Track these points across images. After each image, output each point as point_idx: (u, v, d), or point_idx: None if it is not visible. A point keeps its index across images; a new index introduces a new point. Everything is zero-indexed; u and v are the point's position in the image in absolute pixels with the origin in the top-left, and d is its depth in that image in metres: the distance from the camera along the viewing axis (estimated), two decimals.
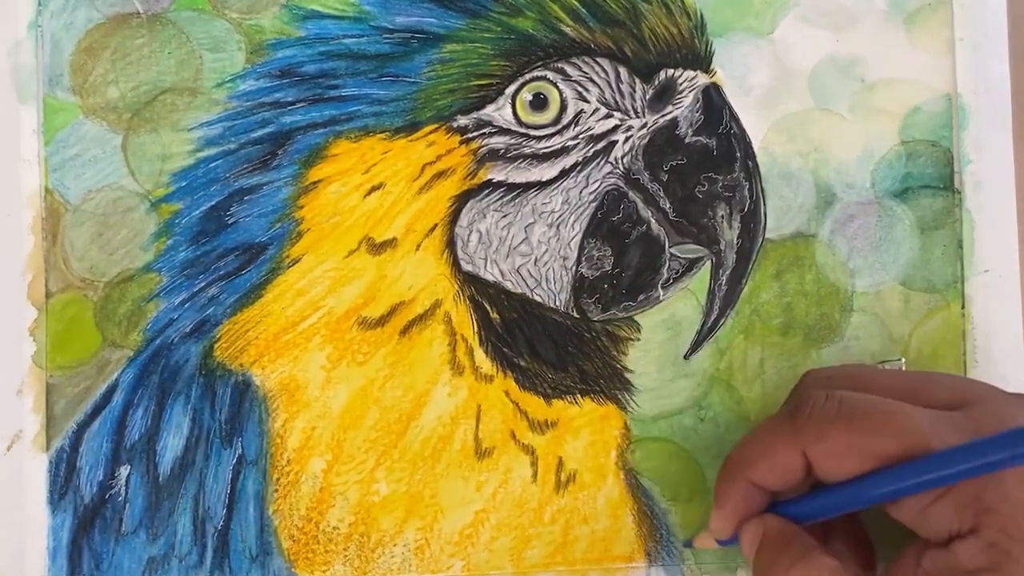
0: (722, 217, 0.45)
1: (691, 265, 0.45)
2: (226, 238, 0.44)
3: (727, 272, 0.45)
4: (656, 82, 0.45)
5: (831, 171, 0.46)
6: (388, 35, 0.44)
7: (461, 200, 0.44)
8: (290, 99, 0.44)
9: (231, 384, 0.44)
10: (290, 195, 0.44)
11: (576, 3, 0.44)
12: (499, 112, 0.44)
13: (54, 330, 0.44)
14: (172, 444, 0.44)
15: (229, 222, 0.44)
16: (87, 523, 0.43)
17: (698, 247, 0.45)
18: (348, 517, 0.44)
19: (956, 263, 0.47)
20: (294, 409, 0.44)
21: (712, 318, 0.45)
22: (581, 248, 0.45)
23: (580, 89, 0.45)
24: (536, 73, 0.44)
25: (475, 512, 0.45)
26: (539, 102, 0.44)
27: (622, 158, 0.45)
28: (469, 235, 0.45)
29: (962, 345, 0.47)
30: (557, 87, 0.45)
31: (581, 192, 0.45)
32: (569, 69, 0.44)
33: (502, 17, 0.44)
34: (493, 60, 0.44)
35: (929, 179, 0.47)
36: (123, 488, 0.44)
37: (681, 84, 0.45)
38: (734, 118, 0.45)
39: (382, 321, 0.44)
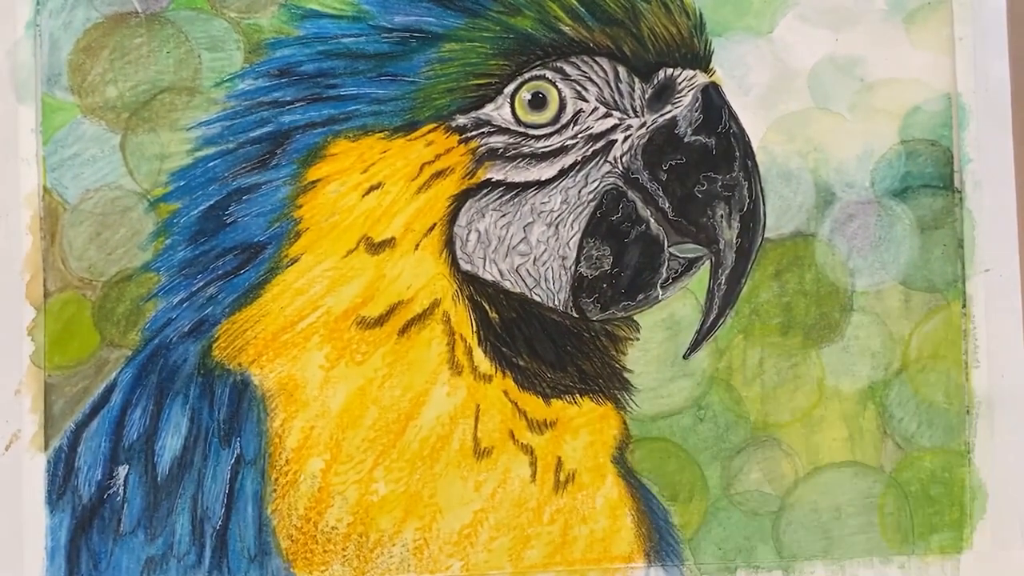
0: (721, 216, 0.45)
1: (690, 264, 0.45)
2: (224, 237, 0.44)
3: (726, 272, 0.45)
4: (655, 81, 0.45)
5: (831, 170, 0.46)
6: (387, 34, 0.44)
7: (460, 199, 0.44)
8: (288, 98, 0.44)
9: (229, 384, 0.44)
10: (288, 194, 0.44)
11: (575, 2, 0.44)
12: (498, 111, 0.44)
13: (52, 330, 0.44)
14: (170, 444, 0.44)
15: (227, 221, 0.44)
16: (85, 523, 0.43)
17: (697, 246, 0.45)
18: (347, 517, 0.44)
19: (956, 262, 0.47)
20: (293, 409, 0.44)
21: (711, 318, 0.45)
22: (580, 247, 0.45)
23: (579, 88, 0.45)
24: (535, 72, 0.44)
25: (474, 512, 0.45)
26: (538, 101, 0.44)
27: (621, 157, 0.45)
28: (468, 234, 0.45)
29: (963, 344, 0.47)
30: (556, 86, 0.44)
31: (580, 191, 0.45)
32: (568, 68, 0.44)
33: (501, 16, 0.44)
34: (492, 59, 0.44)
35: (929, 178, 0.47)
36: (121, 488, 0.43)
37: (680, 83, 0.45)
38: (733, 117, 0.45)
39: (381, 320, 0.44)
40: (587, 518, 0.45)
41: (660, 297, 0.45)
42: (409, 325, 0.44)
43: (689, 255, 0.45)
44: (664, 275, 0.45)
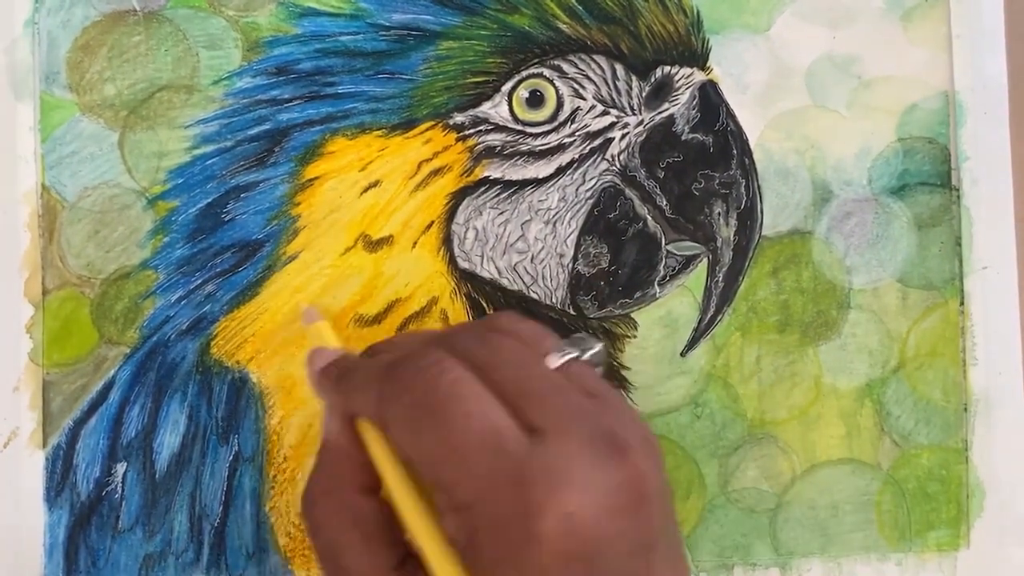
0: (718, 214, 0.45)
1: (687, 262, 0.45)
2: (223, 235, 0.44)
3: (724, 269, 0.45)
4: (652, 79, 0.45)
5: (828, 168, 0.46)
6: (384, 32, 0.44)
7: (458, 197, 0.44)
8: (286, 96, 0.44)
9: (228, 381, 0.44)
10: (286, 192, 0.44)
11: (573, 0, 0.44)
12: (495, 109, 0.44)
13: (51, 327, 0.44)
14: (169, 441, 0.44)
15: (226, 219, 0.44)
16: (84, 520, 0.43)
17: (694, 244, 0.45)
18: None
19: (954, 260, 0.47)
20: (291, 406, 0.44)
21: (709, 315, 0.45)
22: (577, 245, 0.45)
23: (576, 86, 0.45)
24: (532, 70, 0.44)
25: None
26: (535, 99, 0.44)
27: (618, 155, 0.45)
28: (466, 232, 0.45)
29: (960, 342, 0.47)
30: (553, 84, 0.45)
31: (577, 189, 0.45)
32: (565, 66, 0.44)
33: (498, 14, 0.44)
34: (489, 57, 0.44)
35: (926, 176, 0.47)
36: (120, 485, 0.44)
37: (678, 81, 0.45)
38: (731, 115, 0.45)
39: (379, 318, 0.44)
40: None
41: (657, 295, 0.45)
42: (407, 323, 0.44)
43: (686, 253, 0.45)
44: (661, 272, 0.45)
